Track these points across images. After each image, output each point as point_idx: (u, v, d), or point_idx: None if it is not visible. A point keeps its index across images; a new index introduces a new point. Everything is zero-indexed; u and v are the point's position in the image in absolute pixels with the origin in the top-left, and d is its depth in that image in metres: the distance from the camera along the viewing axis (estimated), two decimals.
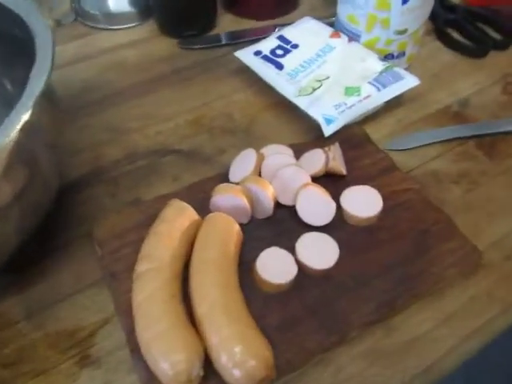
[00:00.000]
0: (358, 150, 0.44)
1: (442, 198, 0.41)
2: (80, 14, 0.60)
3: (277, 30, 0.58)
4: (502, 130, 0.47)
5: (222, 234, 0.34)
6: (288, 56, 0.50)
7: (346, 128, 0.45)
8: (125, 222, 0.39)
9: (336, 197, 0.39)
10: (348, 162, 0.43)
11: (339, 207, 0.38)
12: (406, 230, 0.38)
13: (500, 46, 0.56)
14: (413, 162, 0.45)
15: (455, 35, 0.58)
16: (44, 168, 0.35)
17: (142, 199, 0.42)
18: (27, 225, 0.35)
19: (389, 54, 0.50)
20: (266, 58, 0.50)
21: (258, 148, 0.42)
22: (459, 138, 0.46)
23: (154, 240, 0.34)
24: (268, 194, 0.37)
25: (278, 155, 0.40)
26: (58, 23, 0.60)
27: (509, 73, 0.54)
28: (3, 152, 0.27)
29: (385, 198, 0.39)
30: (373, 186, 0.40)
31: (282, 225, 0.39)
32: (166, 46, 0.58)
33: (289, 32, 0.52)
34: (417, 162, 0.45)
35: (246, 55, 0.51)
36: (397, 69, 0.47)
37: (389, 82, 0.46)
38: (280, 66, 0.49)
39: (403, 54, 0.51)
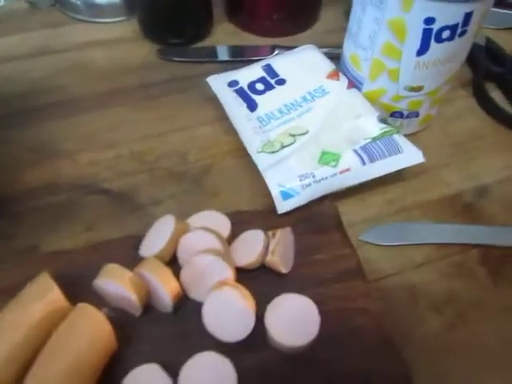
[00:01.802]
0: (319, 237, 0.34)
1: (409, 331, 0.31)
2: (59, 0, 0.53)
3: (275, 52, 0.48)
4: None
5: (84, 338, 0.26)
6: (268, 94, 0.40)
7: (312, 201, 0.35)
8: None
9: (265, 304, 0.29)
10: (301, 251, 0.33)
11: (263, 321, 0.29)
12: (345, 372, 0.28)
13: None
14: (389, 266, 0.34)
15: (496, 95, 0.46)
16: None
17: (40, 249, 0.34)
18: None
19: (396, 112, 0.39)
20: (240, 92, 0.40)
21: (196, 208, 0.34)
22: (461, 244, 0.35)
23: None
24: (167, 291, 0.28)
25: (201, 232, 0.31)
26: (33, 6, 0.52)
27: None
28: None
29: (329, 318, 0.29)
30: (319, 295, 0.30)
31: (184, 326, 0.30)
32: (143, 51, 0.49)
33: (279, 62, 0.42)
34: (394, 266, 0.34)
35: (218, 83, 0.41)
36: (397, 136, 0.36)
37: (380, 154, 0.35)
38: (253, 107, 0.39)
39: (416, 114, 0.39)
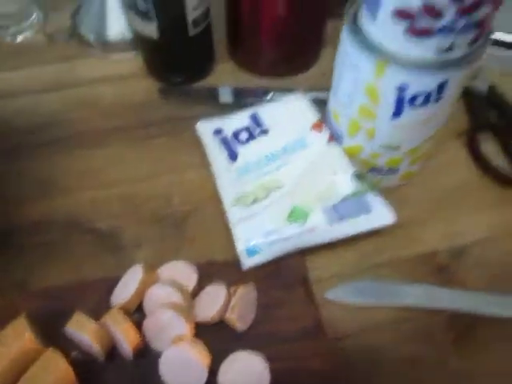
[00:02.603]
0: (283, 293, 0.35)
1: None
2: (75, 34, 0.56)
3: (270, 95, 0.49)
4: (492, 311, 0.34)
5: None
6: (251, 144, 0.41)
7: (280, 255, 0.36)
8: None
9: (222, 360, 0.31)
10: (264, 307, 0.34)
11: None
12: None
13: None
14: (352, 326, 0.34)
15: (493, 147, 0.45)
16: None
17: (26, 286, 0.37)
18: None
19: (375, 168, 0.39)
20: (224, 140, 0.42)
21: (173, 253, 0.37)
22: (430, 307, 0.35)
23: None
24: (127, 342, 0.30)
25: (166, 286, 0.33)
26: (51, 38, 0.56)
27: None
28: None
29: (283, 378, 0.30)
30: (276, 353, 0.32)
31: (143, 375, 0.32)
32: (147, 89, 0.51)
33: (266, 111, 0.43)
34: (358, 326, 0.34)
35: (205, 130, 0.43)
36: (369, 196, 0.37)
37: (350, 213, 0.36)
38: (234, 157, 0.40)
39: (395, 171, 0.40)
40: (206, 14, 0.47)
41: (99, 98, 0.51)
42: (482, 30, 0.29)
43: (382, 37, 0.31)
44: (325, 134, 0.40)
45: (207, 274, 0.35)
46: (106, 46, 0.55)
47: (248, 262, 0.35)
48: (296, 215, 0.36)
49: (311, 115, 0.42)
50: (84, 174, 0.45)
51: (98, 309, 0.33)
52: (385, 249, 0.38)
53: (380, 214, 0.36)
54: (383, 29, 0.30)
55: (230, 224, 0.36)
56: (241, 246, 0.35)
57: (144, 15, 0.44)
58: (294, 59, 0.52)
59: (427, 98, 0.32)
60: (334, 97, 0.39)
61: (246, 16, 0.47)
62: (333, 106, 0.40)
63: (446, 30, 0.28)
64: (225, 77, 0.53)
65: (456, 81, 0.32)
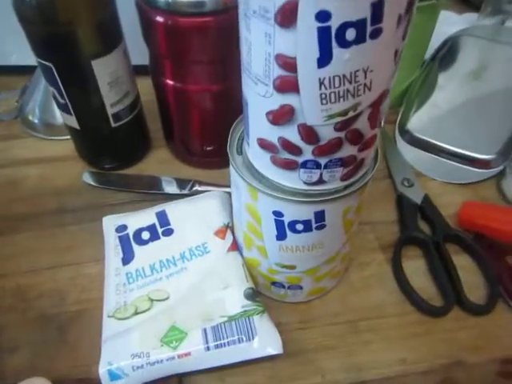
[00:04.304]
0: None
1: None
2: (21, 114, 0.57)
3: (189, 184, 0.47)
4: None
5: None
6: (151, 245, 0.39)
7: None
8: None
9: None
10: None
11: None
12: None
13: (473, 308, 0.38)
14: None
15: (417, 265, 0.41)
16: None
17: None
18: None
19: (277, 283, 0.37)
20: (124, 239, 0.39)
21: (50, 361, 0.34)
22: None
23: None
24: None
25: None
26: None
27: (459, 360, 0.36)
28: None
29: None
30: None
31: None
32: (75, 172, 0.50)
33: (174, 209, 0.41)
34: None
35: (109, 225, 0.41)
36: (257, 318, 0.33)
37: (229, 339, 0.32)
38: (128, 259, 0.38)
39: (299, 287, 0.36)
40: (132, 107, 0.46)
41: (23, 180, 0.50)
42: (354, 168, 0.27)
43: (256, 163, 0.29)
44: (227, 242, 0.38)
45: None
46: (49, 128, 0.55)
47: None
48: (172, 336, 0.32)
49: (218, 219, 0.40)
50: None
51: None
52: (280, 377, 0.34)
53: (266, 343, 0.32)
54: (255, 156, 0.29)
55: (101, 339, 0.33)
56: (103, 368, 0.31)
57: (64, 107, 0.44)
58: (222, 153, 0.51)
59: (308, 225, 0.30)
60: (234, 208, 0.37)
61: (175, 117, 0.47)
62: (233, 216, 0.38)
63: (309, 165, 0.26)
64: (158, 165, 0.52)
65: (336, 210, 0.29)
